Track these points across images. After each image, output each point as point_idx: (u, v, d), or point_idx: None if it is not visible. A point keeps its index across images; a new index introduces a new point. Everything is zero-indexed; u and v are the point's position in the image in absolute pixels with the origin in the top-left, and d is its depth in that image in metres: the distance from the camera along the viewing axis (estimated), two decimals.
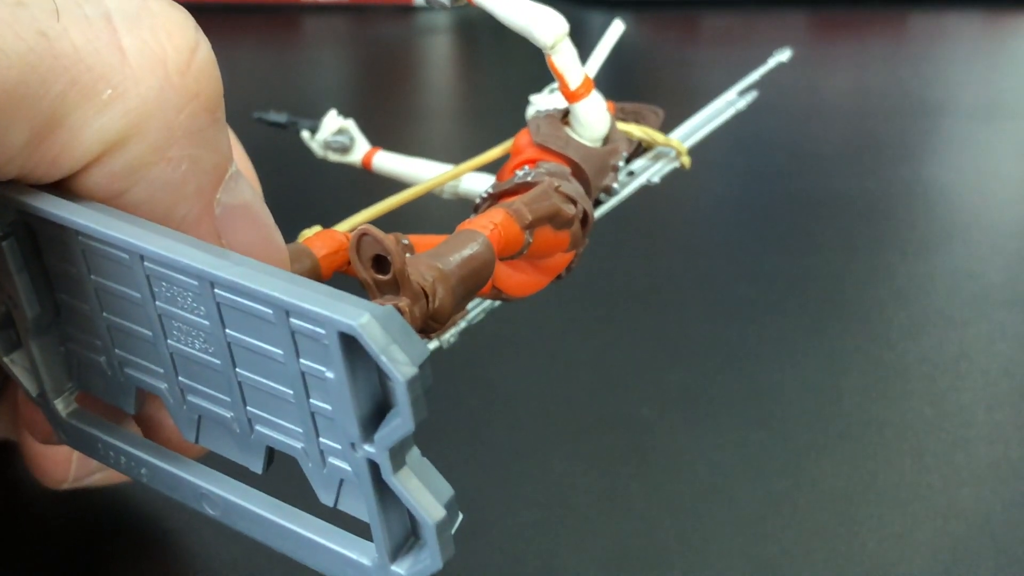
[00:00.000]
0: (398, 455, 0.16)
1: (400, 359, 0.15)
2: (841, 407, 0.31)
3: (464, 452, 0.29)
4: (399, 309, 0.18)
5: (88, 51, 0.16)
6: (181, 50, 0.17)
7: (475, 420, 0.31)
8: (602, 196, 0.25)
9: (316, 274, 0.21)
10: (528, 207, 0.22)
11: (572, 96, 0.24)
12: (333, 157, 0.29)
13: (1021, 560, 0.26)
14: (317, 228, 0.23)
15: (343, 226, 0.23)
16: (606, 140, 0.25)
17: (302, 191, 0.39)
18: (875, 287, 0.38)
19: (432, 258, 0.19)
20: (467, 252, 0.20)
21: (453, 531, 0.17)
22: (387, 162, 0.28)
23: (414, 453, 0.16)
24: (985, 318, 0.36)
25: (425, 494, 0.17)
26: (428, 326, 0.19)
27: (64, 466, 0.24)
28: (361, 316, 0.15)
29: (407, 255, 0.19)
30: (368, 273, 0.18)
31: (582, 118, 0.24)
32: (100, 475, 0.24)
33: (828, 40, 0.71)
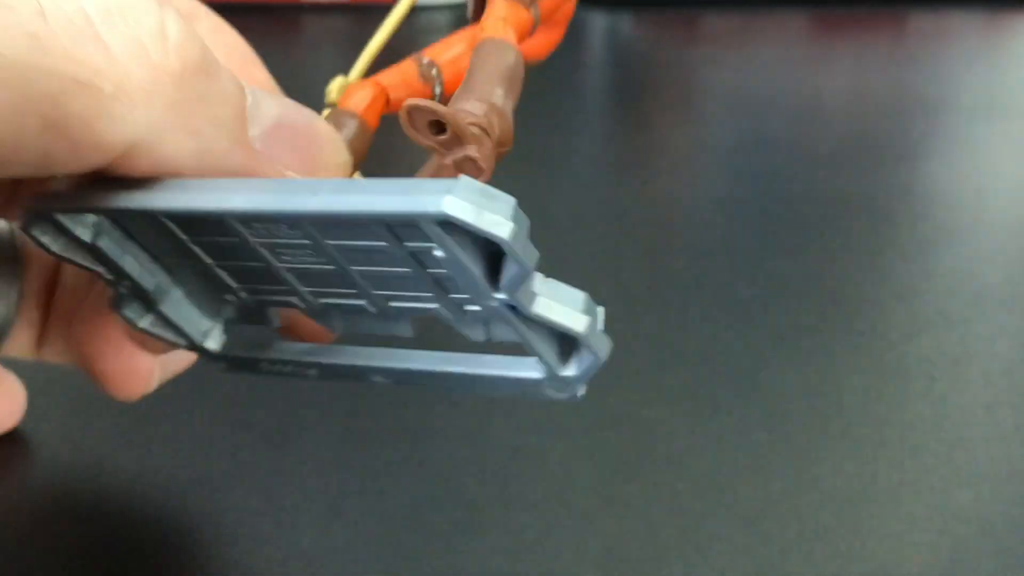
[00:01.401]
0: (526, 293, 0.17)
1: (494, 221, 0.16)
2: (841, 407, 0.31)
3: (464, 452, 0.29)
4: (471, 159, 0.19)
5: (77, 50, 0.16)
6: (154, 33, 0.17)
7: (475, 420, 0.31)
8: None
9: (364, 131, 0.22)
10: None
11: None
12: None
13: (1021, 560, 0.26)
14: (339, 79, 0.23)
15: (355, 72, 0.23)
16: None
17: None
18: (875, 287, 0.38)
19: (473, 93, 0.19)
20: (502, 69, 0.20)
21: (600, 325, 0.19)
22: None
23: (538, 280, 0.17)
24: (985, 318, 0.36)
25: (563, 311, 0.18)
26: (501, 154, 0.19)
27: (148, 377, 0.24)
28: (442, 201, 0.15)
29: (456, 106, 0.19)
30: (429, 140, 0.19)
31: None
32: (171, 371, 0.25)
33: (828, 40, 0.71)
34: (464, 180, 0.16)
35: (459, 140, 0.19)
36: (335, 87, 0.22)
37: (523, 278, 0.17)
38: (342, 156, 0.20)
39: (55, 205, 0.19)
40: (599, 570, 0.25)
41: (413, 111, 0.19)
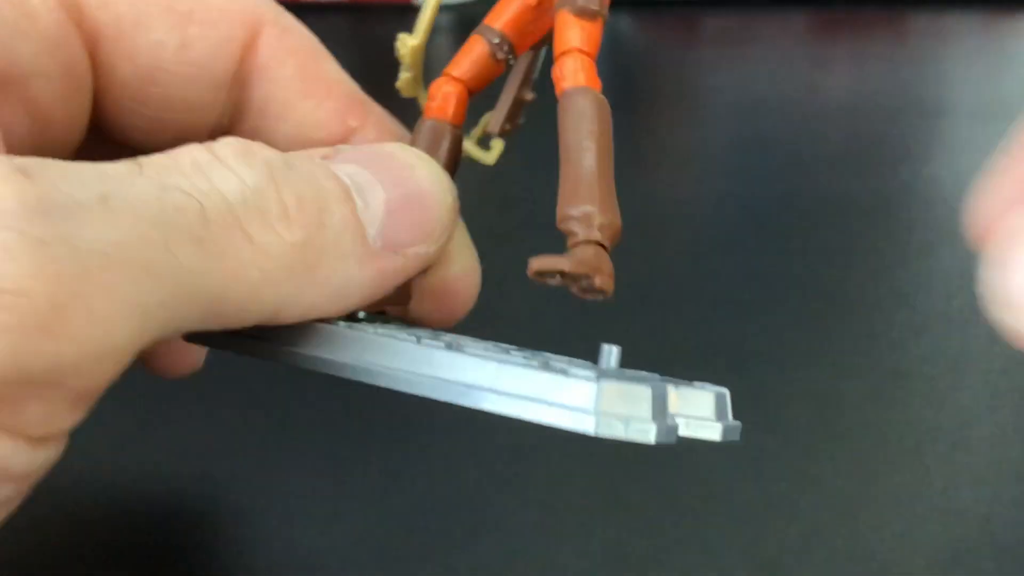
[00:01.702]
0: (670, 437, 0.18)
1: (640, 429, 0.17)
2: (841, 407, 0.31)
3: (464, 452, 0.29)
4: (600, 289, 0.19)
5: (231, 247, 0.17)
6: (279, 215, 0.18)
7: (475, 420, 0.31)
8: None
9: (457, 138, 0.22)
10: None
11: None
12: None
13: (1021, 560, 0.26)
14: (406, 76, 0.23)
15: (420, 29, 0.23)
16: None
17: None
18: (875, 287, 0.38)
19: (578, 194, 0.19)
20: (597, 142, 0.20)
21: (730, 418, 0.20)
22: None
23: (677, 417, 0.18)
24: (985, 318, 0.36)
25: (701, 426, 0.19)
26: (615, 244, 0.20)
27: (196, 353, 0.25)
28: (591, 423, 0.17)
29: (563, 211, 0.19)
30: (555, 281, 0.19)
31: None
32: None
33: (828, 40, 0.71)
34: (605, 388, 0.17)
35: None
36: (404, 48, 0.23)
37: (669, 437, 0.18)
38: (450, 213, 0.21)
39: (203, 341, 0.20)
40: (599, 570, 0.25)
41: (541, 275, 0.19)
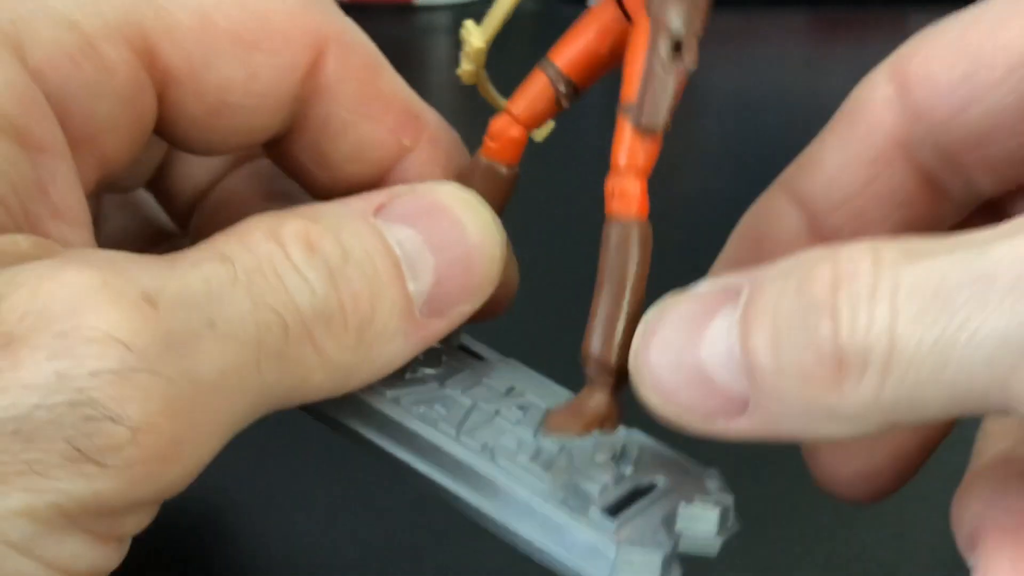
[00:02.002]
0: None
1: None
2: None
3: None
4: (607, 419, 0.21)
5: (300, 354, 0.19)
6: (333, 319, 0.19)
7: None
8: None
9: (513, 178, 0.23)
10: (653, 107, 0.21)
11: None
12: None
13: None
14: (468, 69, 0.23)
15: (488, 28, 0.23)
16: None
17: None
18: None
19: (599, 327, 0.21)
20: (629, 281, 0.22)
21: (731, 523, 0.21)
22: None
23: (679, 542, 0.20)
24: None
25: (702, 544, 0.20)
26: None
27: None
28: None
29: (588, 338, 0.21)
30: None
31: None
32: None
33: (828, 40, 0.71)
34: (619, 562, 0.19)
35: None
36: (468, 45, 0.23)
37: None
38: (498, 266, 0.22)
39: None
40: None
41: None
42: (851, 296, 0.17)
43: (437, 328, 0.21)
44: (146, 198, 0.26)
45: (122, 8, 0.20)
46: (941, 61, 0.22)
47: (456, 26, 0.70)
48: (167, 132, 0.21)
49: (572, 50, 0.22)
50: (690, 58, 0.21)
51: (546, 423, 0.21)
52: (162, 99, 0.21)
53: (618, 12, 0.22)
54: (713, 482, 0.22)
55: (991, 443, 0.23)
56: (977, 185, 0.23)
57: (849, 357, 0.17)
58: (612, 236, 0.21)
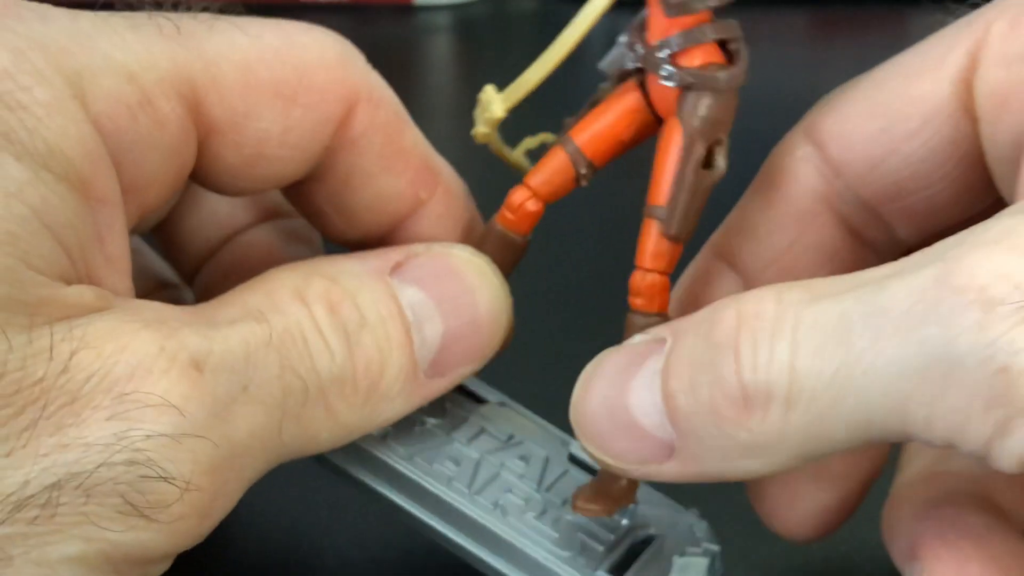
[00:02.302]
0: None
1: None
2: None
3: None
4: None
5: (307, 416, 0.21)
6: (346, 384, 0.21)
7: None
8: None
9: (523, 250, 0.24)
10: (685, 218, 0.22)
11: None
12: None
13: None
14: (484, 132, 0.23)
15: (517, 94, 0.23)
16: None
17: None
18: None
19: None
20: None
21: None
22: None
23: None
24: None
25: None
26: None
27: None
28: None
29: None
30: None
31: None
32: None
33: (828, 40, 0.71)
34: None
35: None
36: (487, 112, 0.23)
37: None
38: (503, 333, 0.23)
39: None
40: None
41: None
42: (752, 335, 0.18)
43: (437, 388, 0.22)
44: (142, 246, 0.27)
45: (175, 61, 0.20)
46: (855, 116, 0.23)
47: (456, 26, 0.70)
48: (199, 177, 0.22)
49: (594, 132, 0.23)
50: (722, 163, 0.22)
51: (574, 504, 0.22)
52: (202, 148, 0.21)
53: (643, 100, 0.23)
54: (701, 531, 0.23)
55: (912, 458, 0.24)
56: (898, 234, 0.24)
57: (752, 392, 0.18)
58: (634, 328, 0.22)
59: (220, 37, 0.21)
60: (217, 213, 0.26)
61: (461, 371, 0.23)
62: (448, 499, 0.22)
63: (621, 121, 0.23)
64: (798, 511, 0.24)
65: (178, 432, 0.17)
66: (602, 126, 0.23)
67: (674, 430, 0.20)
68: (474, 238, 0.24)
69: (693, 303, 0.24)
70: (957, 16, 0.23)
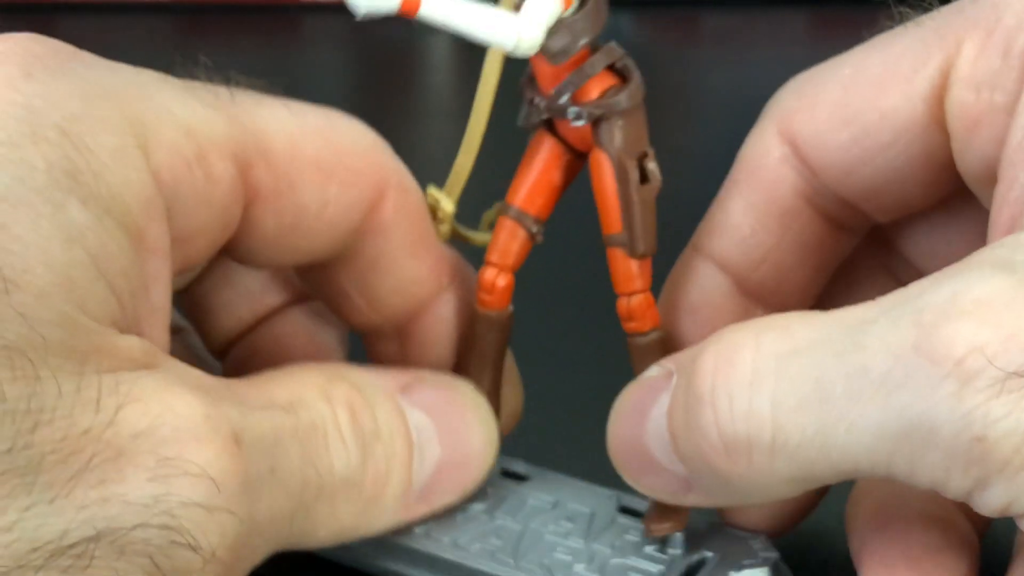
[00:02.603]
0: None
1: None
2: None
3: None
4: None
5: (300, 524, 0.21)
6: (353, 490, 0.22)
7: None
8: None
9: (509, 322, 0.24)
10: (646, 235, 0.22)
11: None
12: None
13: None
14: (444, 230, 0.24)
15: (452, 200, 0.24)
16: None
17: None
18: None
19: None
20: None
21: None
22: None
23: None
24: None
25: None
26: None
27: None
28: None
29: None
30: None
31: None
32: None
33: (828, 40, 0.71)
34: None
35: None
36: (441, 211, 0.24)
37: None
38: (488, 469, 0.24)
39: None
40: None
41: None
42: (728, 385, 0.19)
43: (420, 513, 0.23)
44: None
45: (229, 126, 0.21)
46: (827, 122, 0.23)
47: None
48: (235, 244, 0.23)
49: (527, 190, 0.24)
50: (657, 173, 0.22)
51: (648, 529, 0.23)
52: (245, 213, 0.22)
53: (558, 143, 0.23)
54: (758, 543, 0.24)
55: None
56: (875, 219, 0.25)
57: (732, 443, 0.19)
58: (637, 351, 0.23)
59: (268, 111, 0.22)
60: (252, 291, 0.26)
61: (444, 501, 0.23)
62: (493, 572, 0.23)
63: (547, 170, 0.24)
64: (755, 511, 0.25)
65: (212, 504, 0.18)
66: (532, 181, 0.24)
67: (684, 467, 0.21)
68: (463, 333, 0.25)
69: (685, 307, 0.25)
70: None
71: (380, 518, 0.22)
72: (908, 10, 0.24)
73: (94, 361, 0.17)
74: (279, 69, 0.66)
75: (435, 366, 0.25)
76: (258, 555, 0.20)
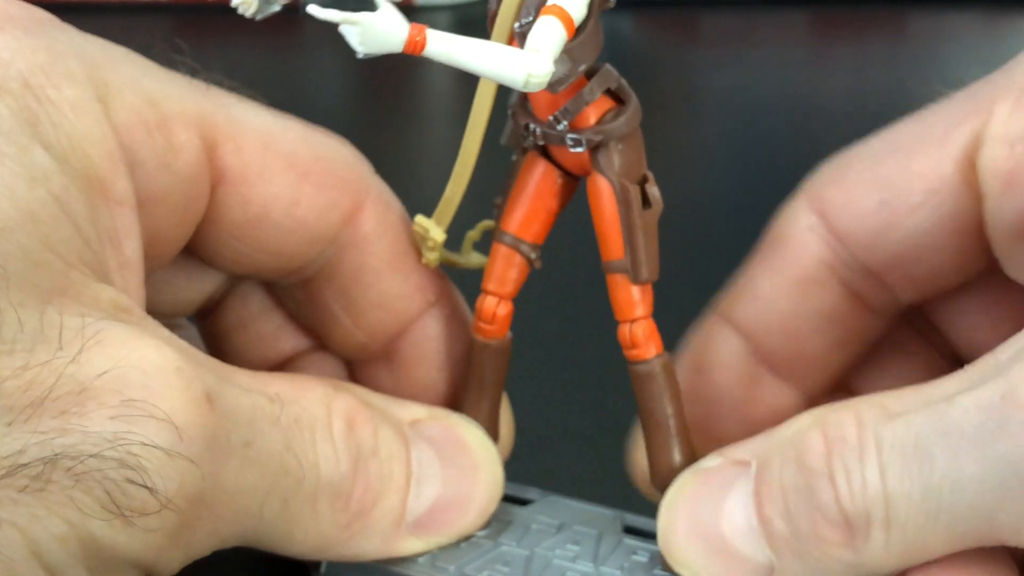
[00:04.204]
0: None
1: None
2: None
3: None
4: None
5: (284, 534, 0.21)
6: (337, 506, 0.21)
7: None
8: None
9: (509, 348, 0.24)
10: (649, 261, 0.22)
11: None
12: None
13: None
14: (431, 257, 0.24)
15: (442, 229, 0.24)
16: None
17: None
18: None
19: (674, 469, 0.23)
20: (678, 409, 0.23)
21: None
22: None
23: None
24: None
25: None
26: None
27: None
28: None
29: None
30: None
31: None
32: None
33: (828, 40, 0.71)
34: None
35: None
36: (430, 241, 0.24)
37: None
38: (479, 526, 0.23)
39: None
40: None
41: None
42: (843, 461, 0.19)
43: (410, 547, 0.22)
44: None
45: (199, 105, 0.21)
46: (857, 189, 0.23)
47: (456, 26, 0.69)
48: (203, 236, 0.22)
49: (522, 215, 0.23)
50: (658, 196, 0.22)
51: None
52: (213, 196, 0.22)
53: (552, 167, 0.23)
54: None
55: None
56: (899, 297, 0.24)
57: (853, 518, 0.19)
58: (650, 375, 0.23)
59: (245, 105, 0.22)
60: (264, 336, 0.26)
61: (438, 539, 0.23)
62: None
63: (541, 195, 0.23)
64: None
65: (173, 450, 0.17)
66: (526, 207, 0.23)
67: (772, 553, 0.20)
68: (464, 361, 0.24)
69: (703, 367, 0.25)
70: (956, 15, 0.23)
71: (366, 539, 0.22)
72: (944, 88, 0.24)
73: (58, 302, 0.17)
74: (279, 70, 0.66)
75: (424, 386, 0.24)
76: (224, 526, 0.19)
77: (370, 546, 0.22)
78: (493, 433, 0.25)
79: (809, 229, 0.24)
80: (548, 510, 0.25)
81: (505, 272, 0.23)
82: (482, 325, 0.24)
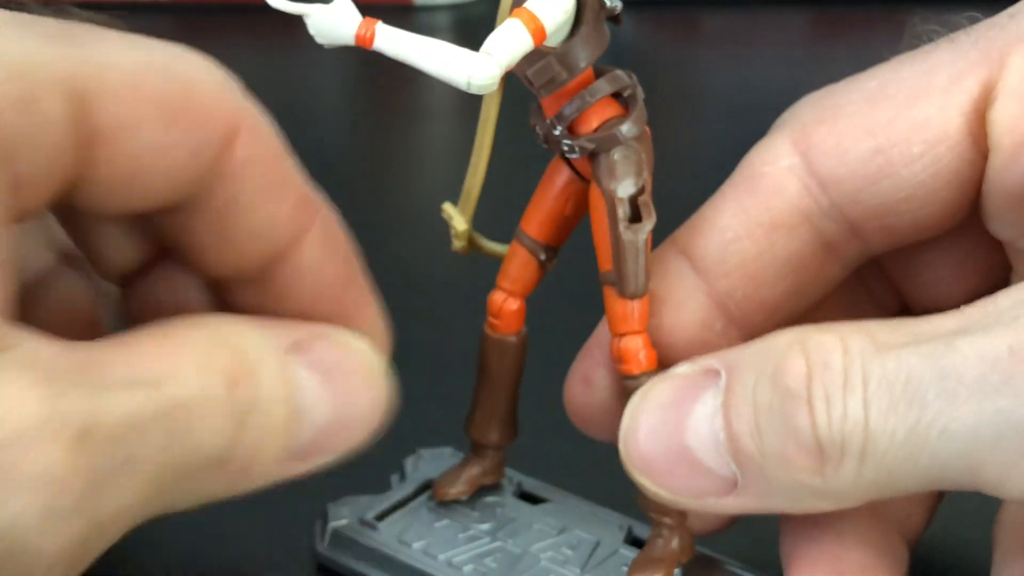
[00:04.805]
0: None
1: None
2: None
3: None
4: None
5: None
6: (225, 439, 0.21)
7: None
8: None
9: (523, 345, 0.24)
10: (634, 277, 0.22)
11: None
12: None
13: None
14: (460, 246, 0.24)
15: (466, 217, 0.24)
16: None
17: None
18: None
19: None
20: None
21: None
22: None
23: None
24: None
25: None
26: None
27: None
28: None
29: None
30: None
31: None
32: None
33: (828, 40, 0.71)
34: None
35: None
36: (454, 228, 0.24)
37: None
38: (368, 437, 0.23)
39: None
40: None
41: None
42: (824, 387, 0.19)
43: (294, 471, 0.22)
44: (48, 216, 0.25)
45: (66, 63, 0.20)
46: (849, 133, 0.22)
47: (456, 26, 0.69)
48: (72, 193, 0.21)
49: (540, 218, 0.23)
50: (649, 217, 0.22)
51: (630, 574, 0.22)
52: (82, 157, 0.21)
53: (572, 172, 0.23)
54: None
55: None
56: (871, 246, 0.23)
57: (827, 446, 0.19)
58: (629, 395, 0.22)
59: (108, 46, 0.21)
60: (127, 238, 0.25)
61: (322, 460, 0.22)
62: None
63: (559, 200, 0.23)
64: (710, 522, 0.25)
65: (55, 509, 0.17)
66: (545, 211, 0.23)
67: (738, 469, 0.20)
68: (353, 267, 0.24)
69: (653, 299, 0.24)
70: (954, 16, 0.23)
71: (247, 485, 0.21)
72: (937, 28, 0.23)
73: None
74: (279, 70, 0.66)
75: (299, 312, 0.23)
76: (107, 540, 0.19)
77: (251, 486, 0.21)
78: (511, 432, 0.25)
79: (789, 170, 0.23)
80: (557, 512, 0.25)
81: (517, 270, 0.23)
82: (491, 320, 0.24)
